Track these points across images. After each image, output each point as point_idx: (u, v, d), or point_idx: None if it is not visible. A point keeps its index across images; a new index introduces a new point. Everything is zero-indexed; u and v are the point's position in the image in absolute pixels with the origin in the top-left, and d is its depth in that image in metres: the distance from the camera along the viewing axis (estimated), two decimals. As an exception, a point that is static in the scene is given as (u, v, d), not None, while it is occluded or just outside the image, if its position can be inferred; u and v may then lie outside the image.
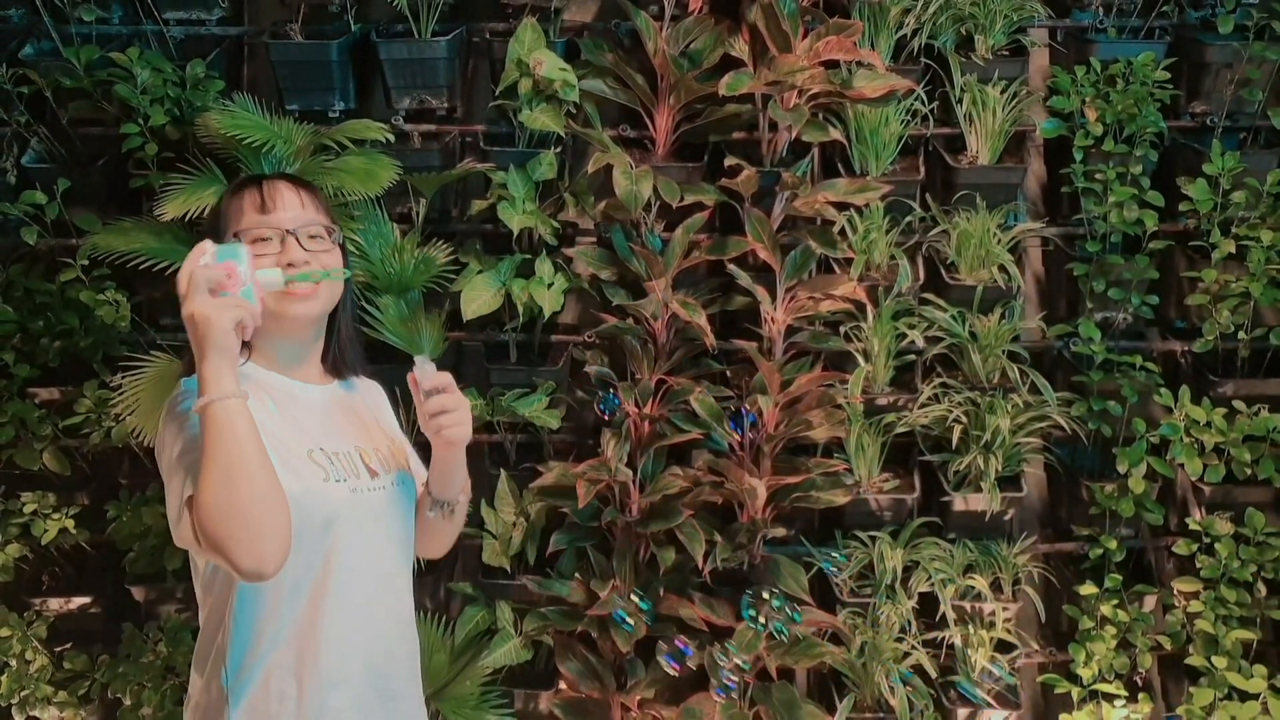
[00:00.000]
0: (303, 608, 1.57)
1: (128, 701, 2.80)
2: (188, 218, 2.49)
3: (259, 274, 1.52)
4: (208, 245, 1.49)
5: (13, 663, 2.81)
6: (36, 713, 2.84)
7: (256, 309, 1.47)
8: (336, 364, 1.77)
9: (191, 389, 1.54)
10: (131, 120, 2.69)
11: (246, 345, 1.65)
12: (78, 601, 2.95)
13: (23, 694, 2.80)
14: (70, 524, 2.82)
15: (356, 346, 1.82)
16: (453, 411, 1.62)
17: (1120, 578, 2.76)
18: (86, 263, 2.72)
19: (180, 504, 1.47)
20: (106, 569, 2.95)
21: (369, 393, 1.83)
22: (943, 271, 2.77)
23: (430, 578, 2.87)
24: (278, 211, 1.64)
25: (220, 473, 1.39)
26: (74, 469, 2.88)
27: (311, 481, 1.59)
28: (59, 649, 2.89)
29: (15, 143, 2.80)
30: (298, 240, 1.63)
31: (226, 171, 2.62)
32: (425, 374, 1.60)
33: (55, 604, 2.93)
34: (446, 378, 1.61)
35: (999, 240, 2.74)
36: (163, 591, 2.90)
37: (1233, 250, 2.72)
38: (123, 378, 2.60)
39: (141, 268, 2.59)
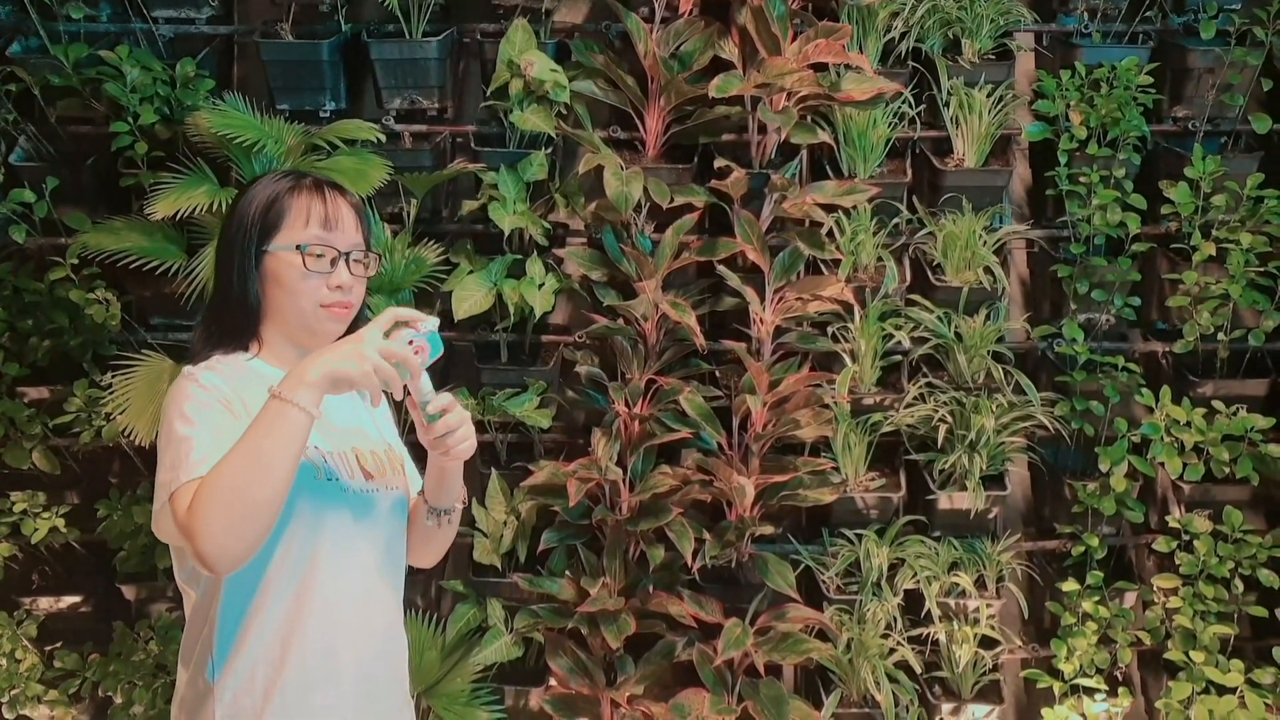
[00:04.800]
0: (289, 604, 1.57)
1: (118, 700, 2.81)
2: (178, 217, 2.49)
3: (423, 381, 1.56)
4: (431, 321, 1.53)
5: (2, 661, 2.82)
6: (27, 711, 2.85)
7: (397, 385, 1.49)
8: None
9: (197, 374, 1.55)
10: (121, 119, 2.69)
11: (258, 341, 1.66)
12: (68, 600, 2.95)
13: (13, 693, 2.81)
14: (60, 523, 2.83)
15: None
16: (458, 430, 1.62)
17: (1101, 574, 2.80)
18: (76, 261, 2.72)
19: (175, 477, 1.46)
20: (97, 568, 2.95)
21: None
22: (929, 273, 2.80)
23: (421, 576, 2.89)
24: (339, 232, 1.65)
25: (252, 461, 1.40)
26: (64, 468, 2.88)
27: (304, 478, 1.58)
28: (49, 648, 2.89)
29: (3, 140, 2.80)
30: (347, 264, 1.65)
31: (217, 171, 2.62)
32: (426, 397, 1.61)
33: (45, 603, 2.93)
34: (447, 398, 1.62)
35: (984, 242, 2.77)
36: (153, 590, 2.91)
37: (1213, 253, 2.76)
38: (113, 377, 2.60)
39: (131, 267, 2.60)
